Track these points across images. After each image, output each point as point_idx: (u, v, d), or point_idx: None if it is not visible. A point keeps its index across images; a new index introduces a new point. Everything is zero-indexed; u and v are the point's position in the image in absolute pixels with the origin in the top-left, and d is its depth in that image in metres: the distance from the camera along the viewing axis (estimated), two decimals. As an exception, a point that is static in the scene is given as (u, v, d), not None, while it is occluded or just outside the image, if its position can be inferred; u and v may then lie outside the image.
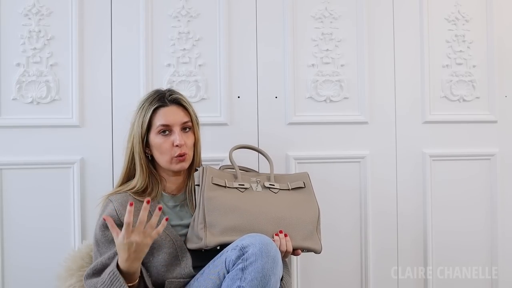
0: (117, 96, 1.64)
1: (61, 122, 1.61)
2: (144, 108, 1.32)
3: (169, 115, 1.31)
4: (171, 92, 1.35)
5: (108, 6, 1.64)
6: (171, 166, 1.32)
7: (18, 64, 1.60)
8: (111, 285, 1.11)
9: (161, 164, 1.33)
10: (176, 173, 1.36)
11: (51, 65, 1.61)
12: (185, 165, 1.32)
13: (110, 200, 1.29)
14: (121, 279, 1.11)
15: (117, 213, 1.25)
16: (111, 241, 1.21)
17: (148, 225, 1.11)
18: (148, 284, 1.19)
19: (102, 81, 1.63)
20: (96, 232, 1.26)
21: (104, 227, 1.23)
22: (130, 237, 1.08)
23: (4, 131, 1.59)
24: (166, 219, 1.15)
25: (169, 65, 1.67)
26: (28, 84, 1.60)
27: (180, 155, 1.30)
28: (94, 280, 1.19)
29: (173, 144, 1.29)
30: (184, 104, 1.34)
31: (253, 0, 1.71)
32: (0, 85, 1.59)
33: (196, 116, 1.37)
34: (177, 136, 1.29)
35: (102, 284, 1.13)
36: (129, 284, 1.13)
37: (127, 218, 1.07)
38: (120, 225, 1.22)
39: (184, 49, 1.67)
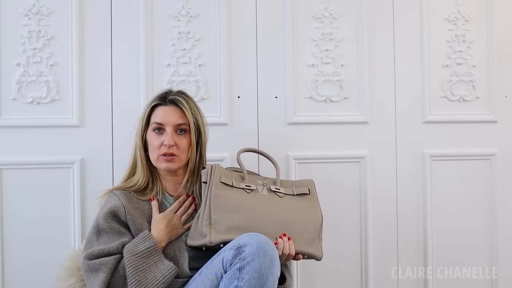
0: (117, 96, 1.64)
1: (61, 122, 1.61)
2: (148, 104, 1.36)
3: (164, 114, 1.32)
4: (175, 93, 1.36)
5: (108, 6, 1.64)
6: (158, 164, 1.32)
7: (18, 64, 1.60)
8: (148, 258, 1.19)
9: (152, 161, 1.34)
10: (171, 173, 1.36)
11: (51, 65, 1.61)
12: (172, 166, 1.31)
13: (115, 194, 1.30)
14: (161, 254, 1.22)
15: (125, 209, 1.26)
16: (117, 233, 1.24)
17: (185, 214, 1.33)
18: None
19: (102, 81, 1.63)
20: (99, 222, 1.26)
21: (110, 218, 1.25)
22: (174, 215, 1.30)
23: (4, 131, 1.59)
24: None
25: (169, 65, 1.67)
26: (28, 84, 1.60)
27: (166, 154, 1.30)
28: (106, 258, 1.19)
29: (162, 143, 1.30)
30: (181, 106, 1.33)
31: (253, 0, 1.71)
32: (0, 85, 1.59)
33: (196, 121, 1.34)
34: (167, 136, 1.30)
35: (134, 256, 1.19)
36: None
37: (176, 205, 1.33)
38: (124, 221, 1.26)
39: (184, 49, 1.67)
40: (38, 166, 1.60)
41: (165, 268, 1.18)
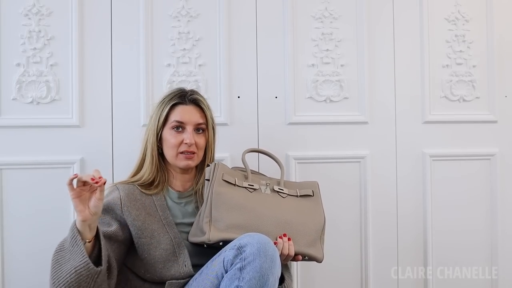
0: (117, 96, 1.64)
1: (61, 122, 1.61)
2: (164, 103, 1.36)
3: (185, 113, 1.34)
4: (192, 92, 1.39)
5: (108, 6, 1.64)
6: (176, 162, 1.34)
7: (18, 64, 1.60)
8: (72, 239, 1.09)
9: (168, 158, 1.35)
10: (184, 170, 1.37)
11: (51, 65, 1.61)
12: (191, 163, 1.34)
13: (117, 188, 1.32)
14: (76, 233, 1.08)
15: (121, 202, 1.28)
16: (106, 225, 1.26)
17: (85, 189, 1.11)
18: (103, 253, 1.13)
19: (102, 81, 1.63)
20: None
21: (103, 211, 1.25)
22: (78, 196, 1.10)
23: (4, 131, 1.59)
24: (100, 182, 1.09)
25: (169, 65, 1.67)
26: (28, 84, 1.60)
27: (187, 152, 1.32)
28: None
29: (182, 141, 1.32)
30: (202, 106, 1.37)
31: (253, 0, 1.71)
32: (0, 85, 1.59)
33: (212, 121, 1.39)
34: (188, 135, 1.32)
35: (66, 241, 1.12)
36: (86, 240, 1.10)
37: (84, 177, 1.09)
38: (118, 213, 1.27)
39: (184, 49, 1.67)
40: (38, 166, 1.59)
41: (79, 259, 1.06)
